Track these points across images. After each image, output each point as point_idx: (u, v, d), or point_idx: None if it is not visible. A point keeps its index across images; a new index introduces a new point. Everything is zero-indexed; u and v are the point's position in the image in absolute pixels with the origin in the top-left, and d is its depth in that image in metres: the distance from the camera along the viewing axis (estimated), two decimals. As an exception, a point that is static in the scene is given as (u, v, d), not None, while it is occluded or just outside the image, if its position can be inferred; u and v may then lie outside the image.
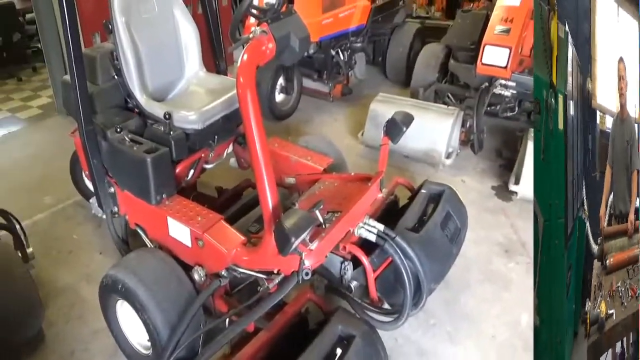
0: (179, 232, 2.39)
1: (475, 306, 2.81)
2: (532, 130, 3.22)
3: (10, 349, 2.41)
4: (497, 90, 3.63)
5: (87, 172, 3.24)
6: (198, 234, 2.26)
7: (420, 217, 2.50)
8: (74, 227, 3.52)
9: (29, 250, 2.97)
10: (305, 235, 1.82)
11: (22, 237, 2.96)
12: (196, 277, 2.31)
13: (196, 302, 2.13)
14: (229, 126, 2.88)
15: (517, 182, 3.36)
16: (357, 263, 2.25)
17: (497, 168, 3.95)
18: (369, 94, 4.94)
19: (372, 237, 2.23)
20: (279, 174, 2.83)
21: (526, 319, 2.73)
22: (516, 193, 3.41)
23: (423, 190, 2.65)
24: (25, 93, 6.41)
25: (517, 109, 3.79)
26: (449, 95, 4.19)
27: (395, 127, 2.52)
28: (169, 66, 2.93)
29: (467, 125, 3.77)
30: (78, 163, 3.35)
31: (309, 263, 1.99)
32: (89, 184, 3.41)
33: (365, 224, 2.27)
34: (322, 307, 2.28)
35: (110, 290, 2.26)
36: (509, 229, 3.34)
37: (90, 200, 3.03)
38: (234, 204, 2.95)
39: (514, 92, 3.58)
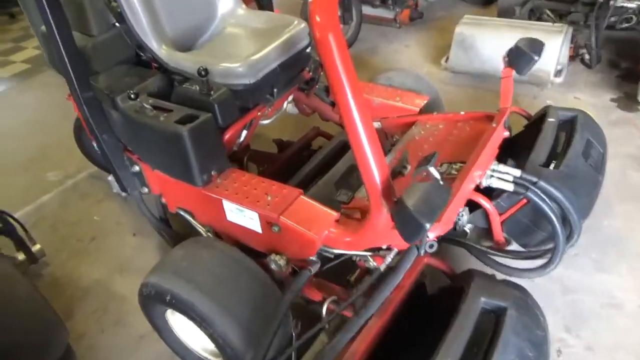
0: (242, 217, 2.14)
1: (621, 227, 2.85)
2: None
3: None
4: (620, 3, 3.99)
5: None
6: (271, 217, 2.02)
7: (553, 148, 2.46)
8: (94, 207, 3.34)
9: (35, 247, 2.83)
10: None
11: (23, 233, 2.78)
12: (274, 267, 2.10)
13: (282, 303, 1.88)
14: (290, 73, 2.60)
15: None
16: (472, 207, 2.23)
17: (613, 80, 4.18)
18: (442, 16, 5.49)
19: (509, 187, 2.16)
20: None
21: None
22: None
23: (550, 119, 2.56)
24: (3, 45, 6.22)
25: (633, 19, 4.17)
26: (547, 12, 4.56)
27: (522, 57, 2.35)
28: (193, 4, 2.64)
29: (575, 41, 4.17)
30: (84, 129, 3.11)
31: (433, 235, 1.87)
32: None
33: (494, 171, 2.20)
34: (447, 272, 2.17)
35: (154, 302, 2.06)
36: (642, 140, 3.49)
37: (109, 178, 2.81)
38: (301, 158, 2.78)
39: (639, 2, 4.02)
